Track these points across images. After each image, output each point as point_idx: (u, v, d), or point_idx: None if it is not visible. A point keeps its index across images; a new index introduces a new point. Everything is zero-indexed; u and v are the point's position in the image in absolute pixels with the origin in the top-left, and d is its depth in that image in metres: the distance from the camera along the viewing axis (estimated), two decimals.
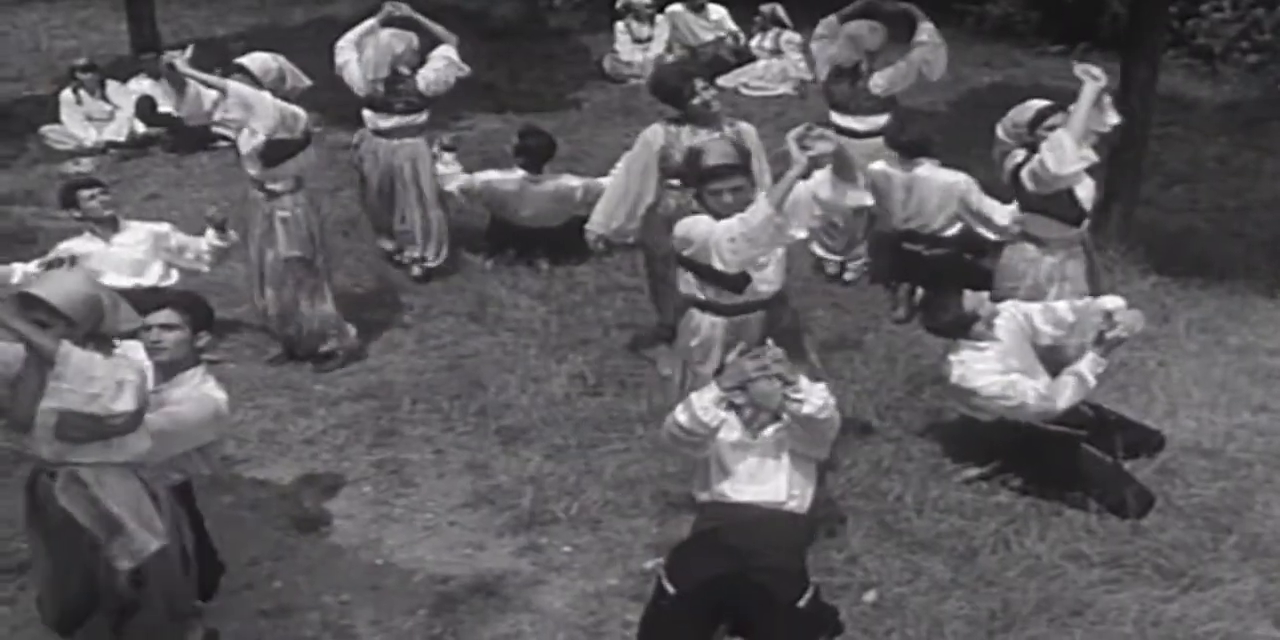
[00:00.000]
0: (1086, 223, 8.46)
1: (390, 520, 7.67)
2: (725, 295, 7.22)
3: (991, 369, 7.41)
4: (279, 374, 9.32)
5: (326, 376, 9.27)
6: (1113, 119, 8.47)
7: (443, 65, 10.88)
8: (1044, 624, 6.63)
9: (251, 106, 8.74)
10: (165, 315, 6.41)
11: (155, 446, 6.09)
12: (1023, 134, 8.42)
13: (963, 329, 7.60)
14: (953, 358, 7.59)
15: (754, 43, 17.19)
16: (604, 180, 10.80)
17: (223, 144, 14.47)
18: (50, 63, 17.84)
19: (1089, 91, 8.09)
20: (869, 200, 7.52)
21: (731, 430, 6.55)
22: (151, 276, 9.16)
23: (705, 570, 6.24)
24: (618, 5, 17.65)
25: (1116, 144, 10.59)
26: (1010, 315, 7.67)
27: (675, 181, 8.78)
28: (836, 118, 10.45)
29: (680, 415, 6.37)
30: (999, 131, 8.59)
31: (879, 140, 10.19)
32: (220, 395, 6.44)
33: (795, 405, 6.28)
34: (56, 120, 14.64)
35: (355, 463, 8.24)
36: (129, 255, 9.09)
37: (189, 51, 8.99)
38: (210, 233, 9.38)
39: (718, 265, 6.98)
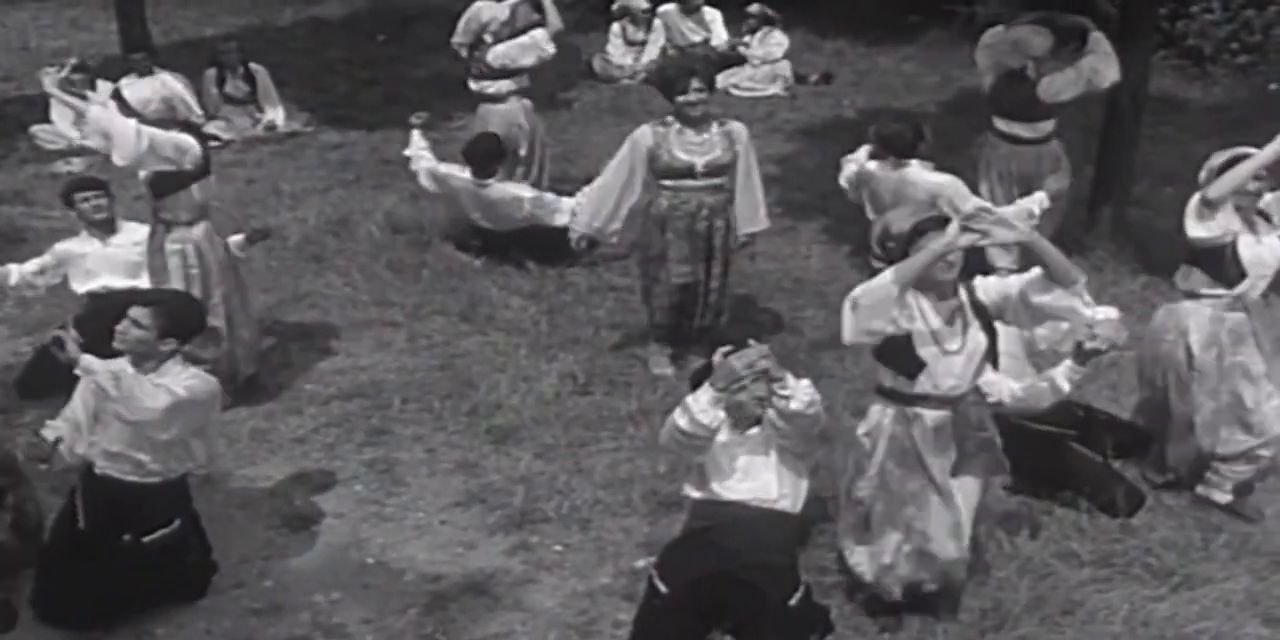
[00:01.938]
0: (1251, 287, 7.40)
1: (381, 519, 7.67)
2: (901, 382, 6.23)
3: None
4: (269, 373, 9.29)
5: (317, 375, 9.27)
6: None
7: (523, 42, 11.64)
8: (1035, 623, 6.64)
9: (110, 135, 8.26)
10: (140, 312, 6.51)
11: (172, 418, 6.32)
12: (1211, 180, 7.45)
13: None
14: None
15: (743, 41, 17.20)
16: (564, 199, 10.84)
17: (213, 144, 14.47)
18: (40, 62, 17.72)
19: (1268, 152, 7.25)
20: (1083, 309, 6.10)
21: (720, 430, 6.55)
22: (136, 281, 9.08)
23: (697, 569, 6.24)
24: (614, 7, 17.65)
25: (1107, 145, 10.64)
26: None
27: (667, 182, 8.79)
28: (1001, 124, 10.44)
29: (680, 419, 6.36)
30: (1202, 175, 7.66)
31: (1045, 146, 10.34)
32: (205, 375, 6.63)
33: (782, 402, 6.29)
34: (46, 120, 14.61)
35: (346, 461, 8.24)
36: (124, 256, 9.04)
37: (65, 70, 8.84)
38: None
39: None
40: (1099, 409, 8.15)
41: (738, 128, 8.92)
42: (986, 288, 6.15)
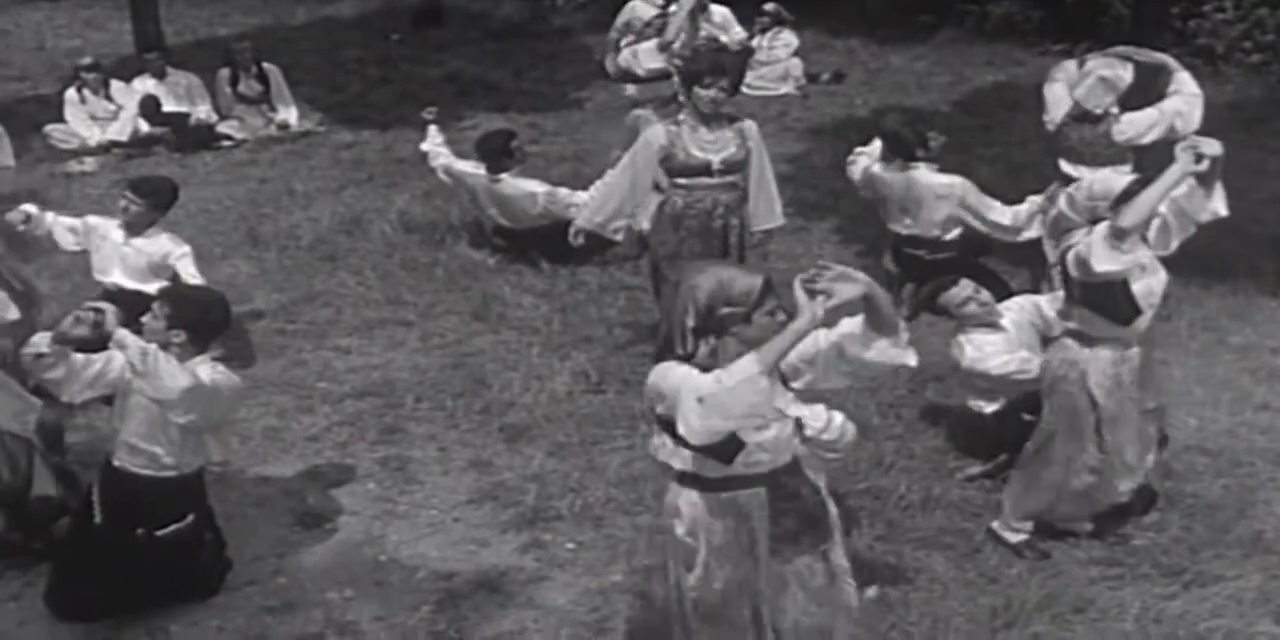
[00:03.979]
0: (1145, 321, 6.89)
1: (394, 517, 7.68)
2: (709, 466, 5.36)
3: (1002, 350, 7.47)
4: (282, 371, 9.34)
5: (330, 374, 9.29)
6: (1220, 209, 6.83)
7: (636, 48, 11.56)
8: (1046, 621, 6.64)
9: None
10: (157, 303, 6.62)
11: (192, 401, 6.35)
12: (1097, 209, 6.85)
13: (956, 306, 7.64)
14: (962, 338, 7.60)
15: (754, 43, 17.20)
16: (578, 194, 10.85)
17: (226, 144, 14.56)
18: (54, 62, 17.90)
19: (1171, 174, 6.53)
20: (912, 360, 5.38)
21: None
22: (150, 286, 9.03)
23: None
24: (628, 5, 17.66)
25: None
26: (1020, 306, 7.70)
27: (681, 180, 8.80)
28: (1068, 167, 9.41)
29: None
30: (1061, 203, 7.34)
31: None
32: (231, 374, 6.68)
33: (798, 431, 6.33)
34: (60, 119, 14.68)
35: (359, 459, 8.26)
36: (133, 260, 9.05)
37: None
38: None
39: (680, 430, 5.09)
40: None
41: (748, 124, 8.91)
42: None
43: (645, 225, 9.47)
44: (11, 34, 19.72)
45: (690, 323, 5.25)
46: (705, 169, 8.73)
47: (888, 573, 6.99)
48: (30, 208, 9.24)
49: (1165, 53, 9.74)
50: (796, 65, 17.02)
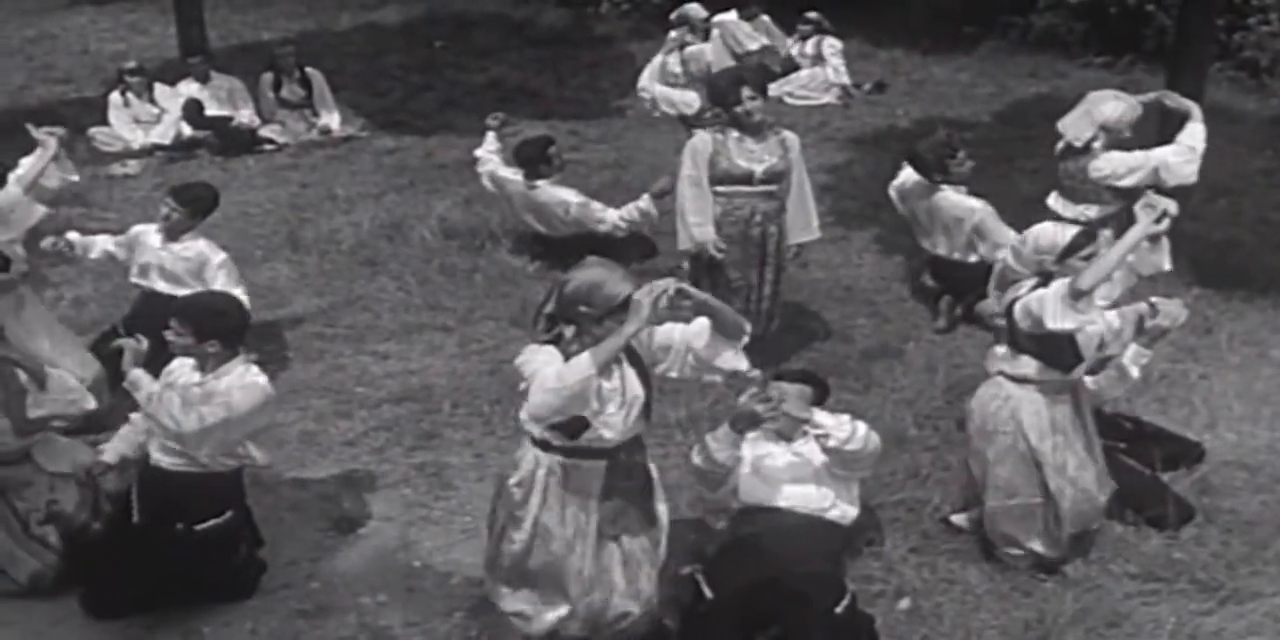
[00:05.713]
0: (1081, 370, 6.99)
1: (428, 523, 7.70)
2: (556, 435, 6.00)
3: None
4: (321, 376, 9.37)
5: (368, 379, 9.31)
6: (1165, 264, 6.94)
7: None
8: (1080, 635, 6.62)
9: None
10: (174, 321, 6.66)
11: (204, 437, 6.43)
12: (1044, 262, 7.00)
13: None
14: (997, 350, 7.58)
15: (795, 50, 17.19)
16: (610, 210, 10.83)
17: (268, 148, 14.60)
18: (98, 65, 17.97)
19: (1133, 235, 6.77)
20: (743, 365, 6.01)
21: (764, 442, 6.59)
22: (183, 291, 9.05)
23: (744, 576, 6.26)
24: (672, 17, 17.67)
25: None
26: None
27: (720, 188, 8.78)
28: (1052, 199, 9.13)
29: (696, 457, 6.45)
30: (1008, 256, 7.41)
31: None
32: (263, 379, 6.70)
33: (822, 440, 6.35)
34: (104, 123, 14.76)
35: (395, 465, 8.28)
36: (169, 265, 9.05)
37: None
38: None
39: (523, 411, 5.87)
40: (1148, 421, 8.13)
41: (791, 137, 8.94)
42: (644, 335, 5.90)
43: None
44: (57, 38, 19.82)
45: (547, 308, 5.91)
46: (747, 178, 8.74)
47: (921, 584, 6.98)
48: (74, 235, 9.32)
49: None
50: (835, 70, 16.97)
